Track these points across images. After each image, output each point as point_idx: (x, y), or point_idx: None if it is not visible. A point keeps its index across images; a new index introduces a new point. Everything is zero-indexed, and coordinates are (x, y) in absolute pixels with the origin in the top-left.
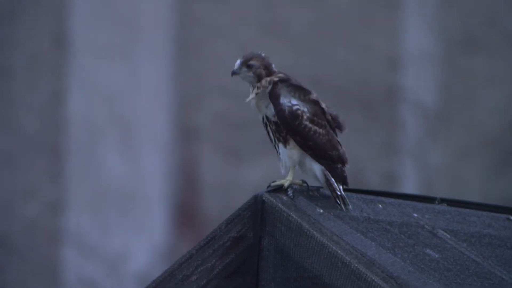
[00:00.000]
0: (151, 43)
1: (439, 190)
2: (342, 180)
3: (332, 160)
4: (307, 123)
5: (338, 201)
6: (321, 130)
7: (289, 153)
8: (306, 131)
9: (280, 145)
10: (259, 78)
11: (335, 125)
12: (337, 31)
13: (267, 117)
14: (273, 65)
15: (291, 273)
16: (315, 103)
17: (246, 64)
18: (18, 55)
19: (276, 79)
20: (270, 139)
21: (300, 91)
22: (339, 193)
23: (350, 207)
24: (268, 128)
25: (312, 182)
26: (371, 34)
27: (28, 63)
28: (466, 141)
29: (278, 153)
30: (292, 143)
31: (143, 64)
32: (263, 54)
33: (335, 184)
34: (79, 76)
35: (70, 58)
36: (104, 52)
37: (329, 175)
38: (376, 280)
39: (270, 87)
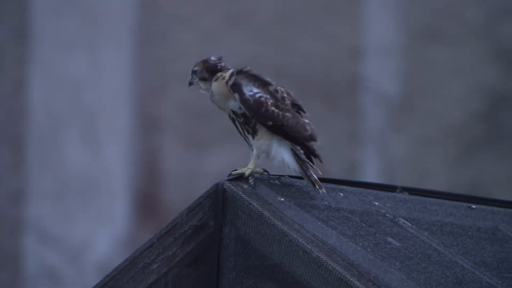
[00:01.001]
0: (113, 33)
1: (401, 180)
2: (316, 155)
3: (305, 139)
4: (273, 108)
5: (315, 185)
6: (287, 114)
7: (257, 143)
8: (275, 116)
9: (250, 137)
10: (205, 82)
11: (298, 107)
12: (301, 21)
13: (233, 112)
14: (223, 64)
15: (252, 261)
16: (273, 93)
17: (192, 71)
18: None
19: (232, 71)
20: (240, 132)
21: (259, 81)
22: (315, 176)
23: (324, 190)
24: (236, 122)
25: (278, 171)
26: (334, 24)
27: None
28: (428, 131)
29: (249, 145)
30: (260, 133)
31: (106, 54)
32: (212, 58)
33: (309, 169)
34: (41, 66)
35: (32, 48)
36: (67, 42)
37: (301, 158)
38: (337, 268)
39: (232, 79)
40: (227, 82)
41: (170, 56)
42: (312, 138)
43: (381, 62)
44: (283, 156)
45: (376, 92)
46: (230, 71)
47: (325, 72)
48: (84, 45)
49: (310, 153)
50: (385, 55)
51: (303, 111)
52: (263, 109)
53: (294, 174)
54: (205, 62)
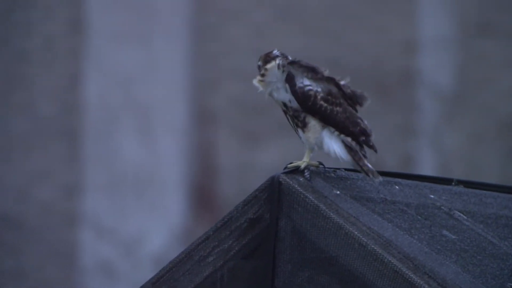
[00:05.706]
0: (167, 27)
1: (455, 173)
2: (370, 147)
3: (354, 135)
4: (321, 102)
5: (368, 174)
6: (338, 109)
7: (306, 136)
8: (322, 111)
9: (299, 131)
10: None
11: (353, 101)
12: (353, 14)
13: (285, 104)
14: (278, 57)
15: (308, 254)
16: (330, 80)
17: (257, 66)
18: (35, 39)
19: (279, 59)
20: (291, 125)
21: (312, 71)
22: (369, 165)
23: (381, 178)
24: (287, 115)
25: (333, 163)
26: (387, 17)
27: (45, 46)
28: (482, 124)
29: (299, 137)
30: (309, 126)
31: (160, 48)
32: (274, 51)
33: (363, 159)
34: (95, 59)
35: (87, 42)
36: (121, 36)
37: (352, 149)
38: (392, 261)
39: (285, 69)
40: (267, 67)
41: (223, 49)
42: (363, 133)
43: (435, 56)
44: (333, 148)
45: (429, 85)
46: (278, 59)
47: (378, 65)
48: (139, 39)
49: (363, 145)
50: (438, 49)
51: (360, 104)
52: (310, 102)
53: (347, 165)
54: (267, 55)
